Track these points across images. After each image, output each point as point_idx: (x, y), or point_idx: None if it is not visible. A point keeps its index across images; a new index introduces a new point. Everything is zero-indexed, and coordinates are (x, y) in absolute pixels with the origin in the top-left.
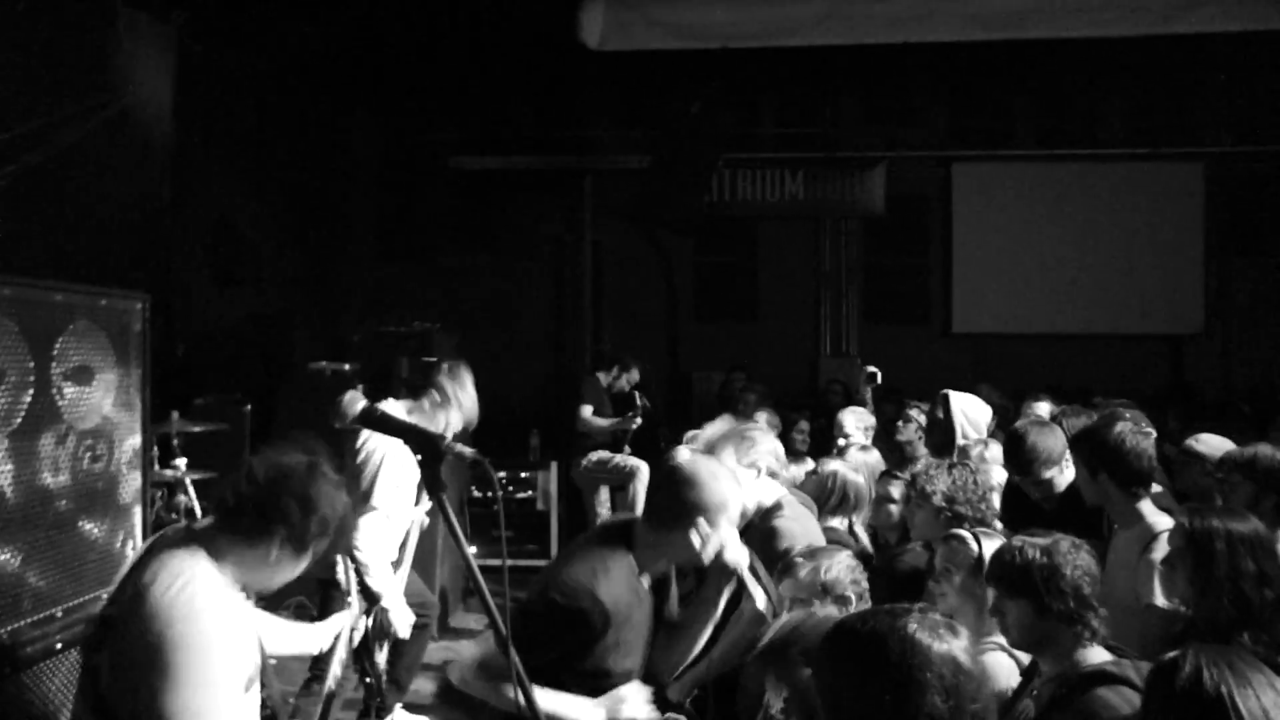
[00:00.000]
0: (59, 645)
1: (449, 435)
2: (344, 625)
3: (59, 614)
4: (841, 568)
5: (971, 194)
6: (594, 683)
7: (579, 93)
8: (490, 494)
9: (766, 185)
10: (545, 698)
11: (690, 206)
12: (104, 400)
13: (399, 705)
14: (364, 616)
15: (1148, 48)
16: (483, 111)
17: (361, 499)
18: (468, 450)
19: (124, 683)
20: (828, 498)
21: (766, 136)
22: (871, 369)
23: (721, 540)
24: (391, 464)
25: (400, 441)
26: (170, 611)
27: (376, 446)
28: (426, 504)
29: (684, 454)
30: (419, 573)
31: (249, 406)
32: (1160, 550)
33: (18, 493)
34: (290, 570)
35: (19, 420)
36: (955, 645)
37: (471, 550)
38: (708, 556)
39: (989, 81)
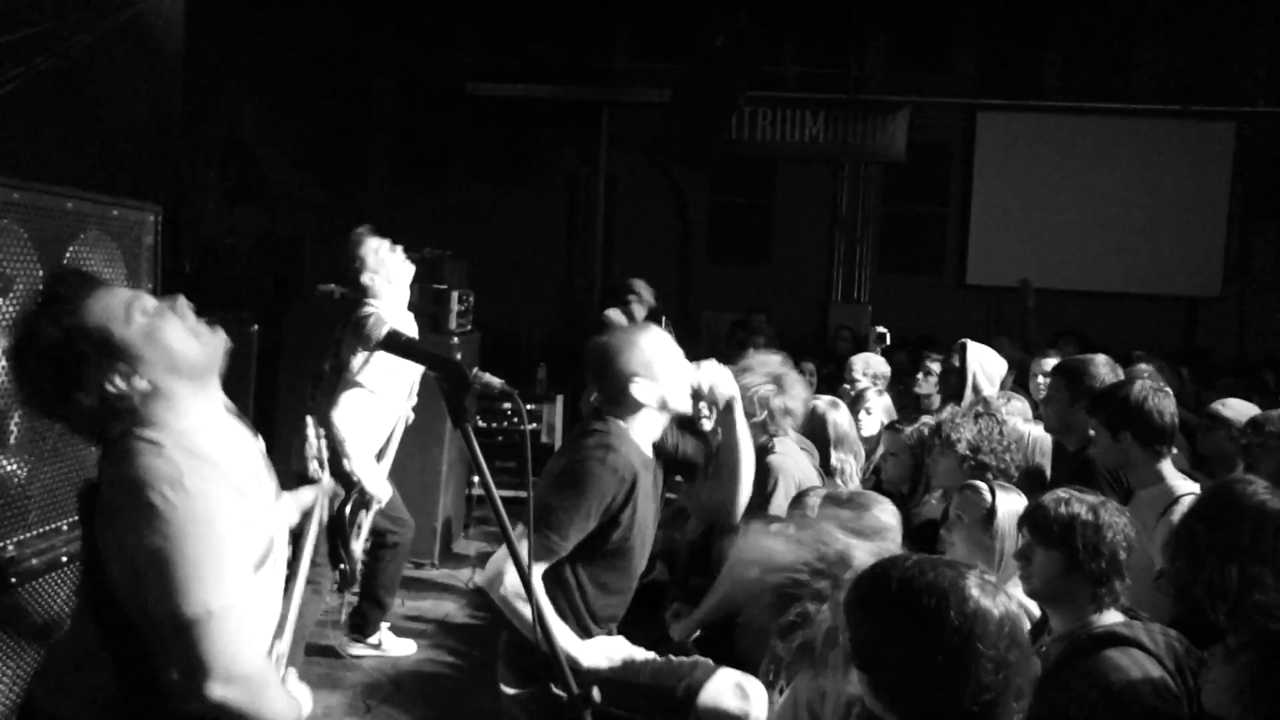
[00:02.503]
0: (64, 558)
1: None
2: (315, 500)
3: (64, 527)
4: (888, 514)
5: (995, 144)
6: (619, 563)
7: (601, 22)
8: (496, 424)
9: (787, 126)
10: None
11: (709, 144)
12: None
13: (385, 626)
14: (338, 498)
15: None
16: (502, 37)
17: (346, 370)
18: (496, 381)
19: (122, 562)
20: (817, 434)
21: (789, 76)
22: (881, 329)
23: (675, 387)
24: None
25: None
26: (155, 476)
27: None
28: (412, 402)
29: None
30: (422, 497)
31: (256, 326)
32: (1178, 515)
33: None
34: (163, 344)
35: None
36: (1010, 607)
37: (477, 480)
38: (676, 406)
39: (1020, 29)
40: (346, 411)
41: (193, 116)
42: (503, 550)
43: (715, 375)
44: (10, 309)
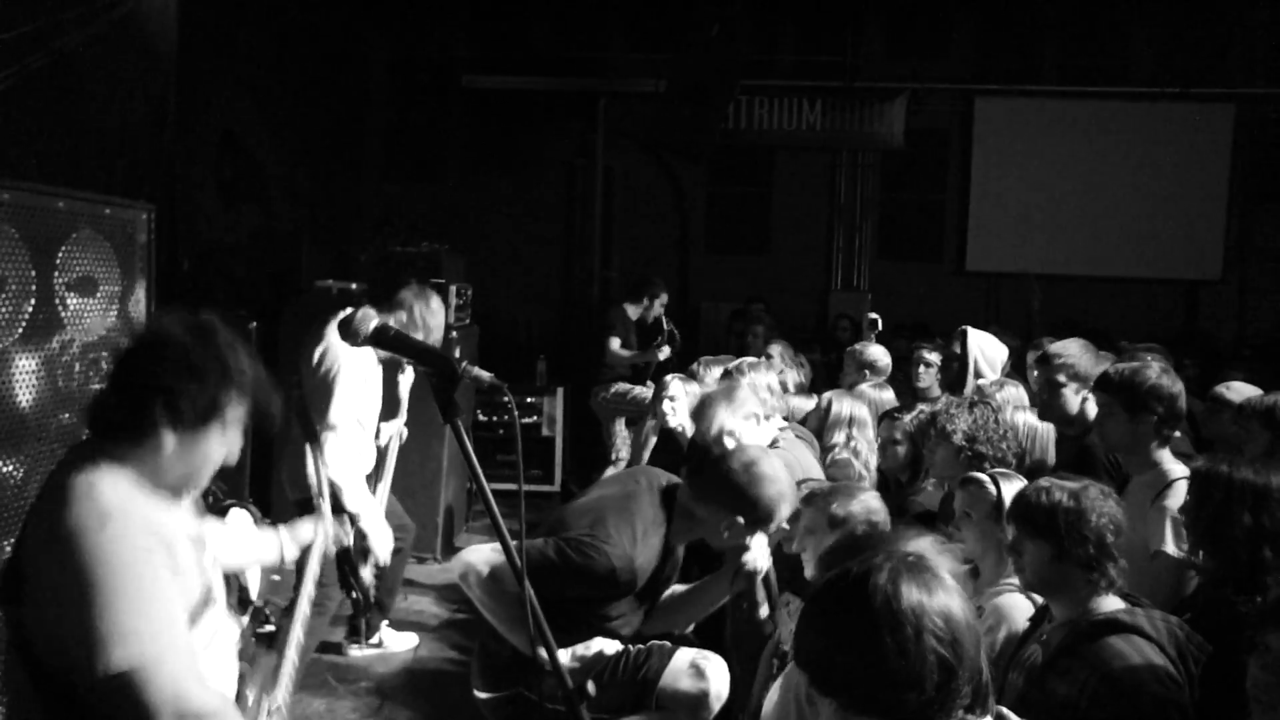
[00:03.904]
0: None
1: None
2: (314, 535)
3: None
4: (858, 506)
5: (993, 129)
6: (593, 621)
7: (596, 12)
8: (496, 418)
9: (784, 114)
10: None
11: (705, 133)
12: (108, 312)
13: (385, 624)
14: (344, 529)
15: None
16: (496, 29)
17: (326, 415)
18: (485, 374)
19: (51, 625)
20: (827, 427)
21: (786, 64)
22: (873, 315)
23: (751, 543)
24: (349, 377)
25: (405, 360)
26: (80, 525)
27: (335, 360)
28: (402, 418)
29: (755, 449)
30: (423, 492)
31: (255, 324)
32: (1173, 497)
33: (20, 404)
34: (208, 452)
35: (20, 330)
36: (938, 581)
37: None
38: (726, 545)
39: (1017, 14)
40: (334, 450)
41: (187, 114)
42: (474, 547)
43: (762, 551)
44: (4, 310)
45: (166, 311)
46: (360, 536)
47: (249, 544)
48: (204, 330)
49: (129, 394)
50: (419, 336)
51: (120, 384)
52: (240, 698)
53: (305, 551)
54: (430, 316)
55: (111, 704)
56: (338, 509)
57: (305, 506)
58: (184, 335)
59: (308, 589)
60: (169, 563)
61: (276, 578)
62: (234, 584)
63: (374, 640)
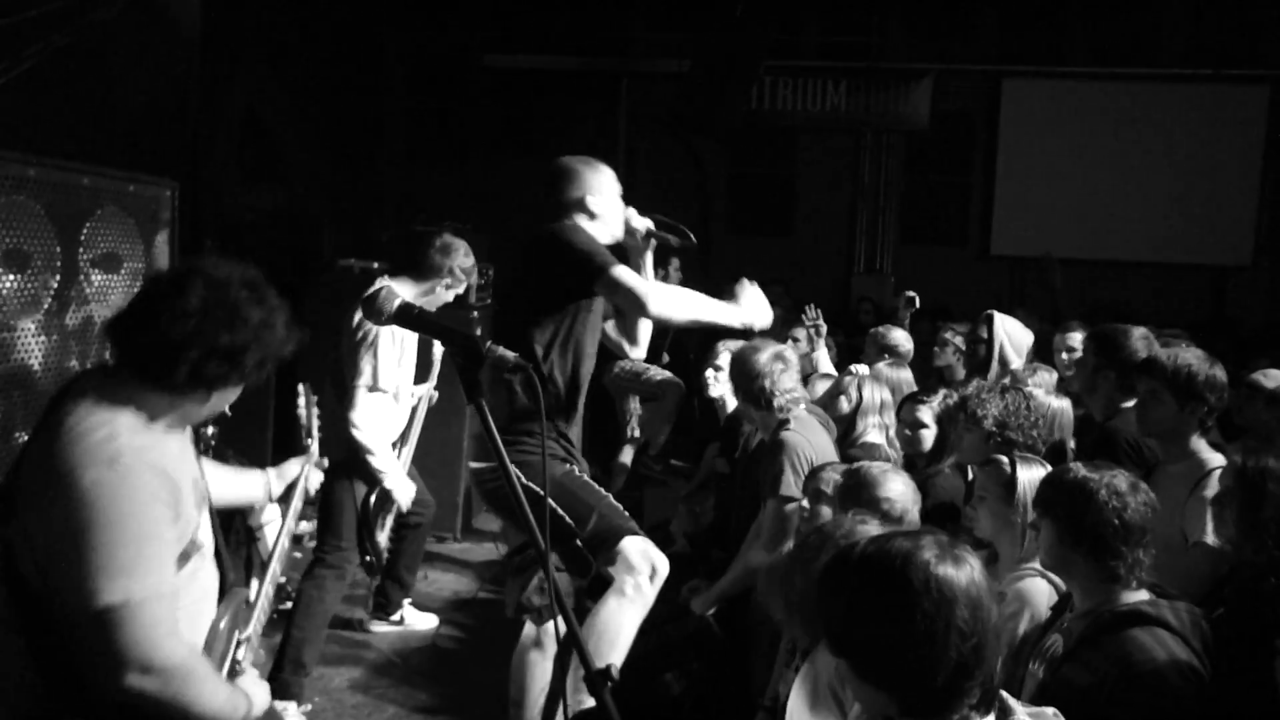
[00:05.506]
0: None
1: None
2: (300, 471)
3: None
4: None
5: (1020, 112)
6: None
7: None
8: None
9: (808, 95)
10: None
11: (729, 114)
12: (132, 288)
13: (407, 602)
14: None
15: None
16: (518, 8)
17: (358, 378)
18: (510, 354)
19: (41, 550)
20: (860, 414)
21: (810, 44)
22: (910, 294)
23: None
24: (387, 342)
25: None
26: (88, 456)
27: (372, 326)
28: (433, 381)
29: None
30: (443, 471)
31: None
32: (1213, 488)
33: (46, 376)
34: (225, 402)
35: (46, 304)
36: (975, 574)
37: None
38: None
39: None
40: (364, 412)
41: (210, 93)
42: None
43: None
44: (30, 285)
45: (215, 257)
46: (382, 496)
47: (235, 481)
48: (255, 287)
49: (170, 341)
50: (459, 290)
51: (159, 325)
52: (211, 627)
53: (290, 487)
54: (466, 260)
55: (86, 635)
56: (361, 467)
57: (338, 471)
58: (238, 290)
59: (290, 519)
60: (171, 506)
61: (299, 555)
62: (243, 534)
63: (395, 618)
